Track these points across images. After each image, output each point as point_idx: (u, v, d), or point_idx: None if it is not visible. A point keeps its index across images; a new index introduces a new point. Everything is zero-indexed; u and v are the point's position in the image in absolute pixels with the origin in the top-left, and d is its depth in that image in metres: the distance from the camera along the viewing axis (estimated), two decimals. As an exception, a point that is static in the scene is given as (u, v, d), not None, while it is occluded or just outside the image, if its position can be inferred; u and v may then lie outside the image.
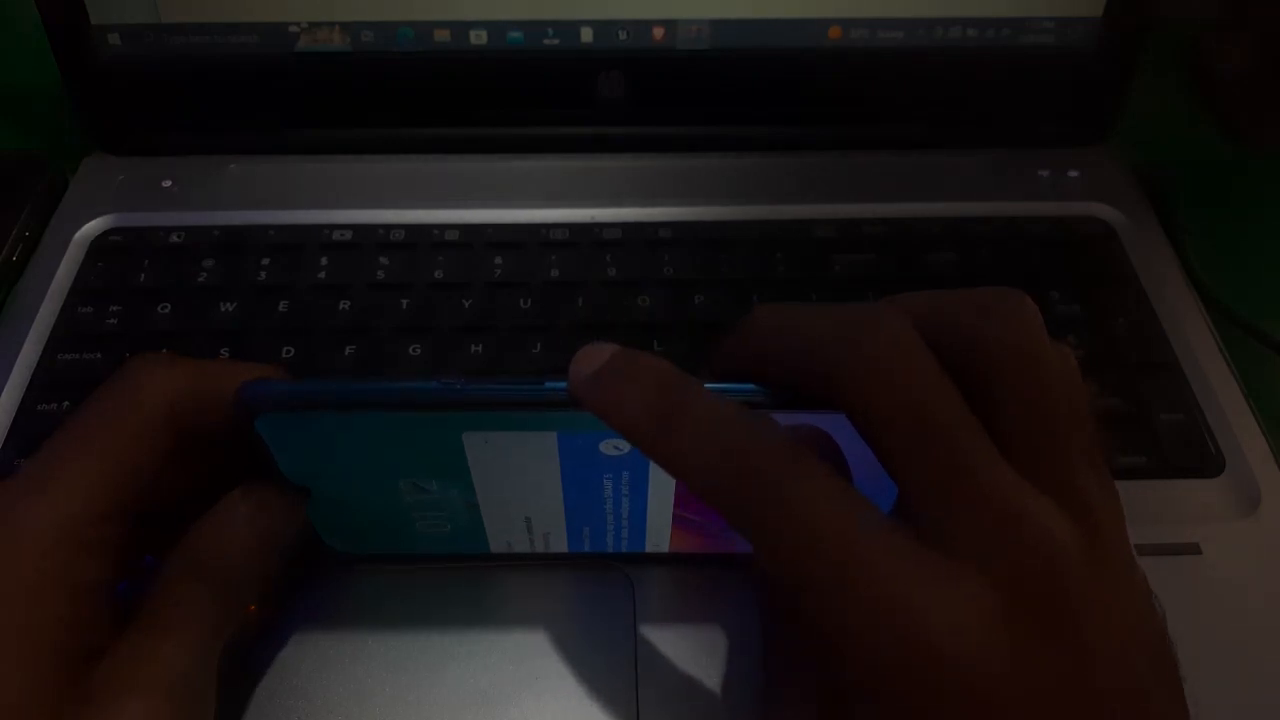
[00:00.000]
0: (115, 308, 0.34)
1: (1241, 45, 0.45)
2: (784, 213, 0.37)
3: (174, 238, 0.36)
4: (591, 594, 0.27)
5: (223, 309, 0.34)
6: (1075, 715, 0.17)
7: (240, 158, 0.39)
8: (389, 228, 0.36)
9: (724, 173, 0.39)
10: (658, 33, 0.37)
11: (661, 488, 0.24)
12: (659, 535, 0.26)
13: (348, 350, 0.33)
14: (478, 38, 0.37)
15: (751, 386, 0.20)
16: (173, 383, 0.21)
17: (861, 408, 0.19)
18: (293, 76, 0.38)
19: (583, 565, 0.28)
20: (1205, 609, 0.27)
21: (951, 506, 0.18)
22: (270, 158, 0.39)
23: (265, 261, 0.35)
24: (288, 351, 0.33)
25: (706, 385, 0.20)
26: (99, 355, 0.32)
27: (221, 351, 0.33)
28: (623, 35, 0.37)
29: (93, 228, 0.37)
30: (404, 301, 0.34)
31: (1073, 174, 0.39)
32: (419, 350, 0.33)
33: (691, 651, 0.26)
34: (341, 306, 0.34)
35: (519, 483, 0.23)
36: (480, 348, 0.33)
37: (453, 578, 0.27)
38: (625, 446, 0.22)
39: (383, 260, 0.35)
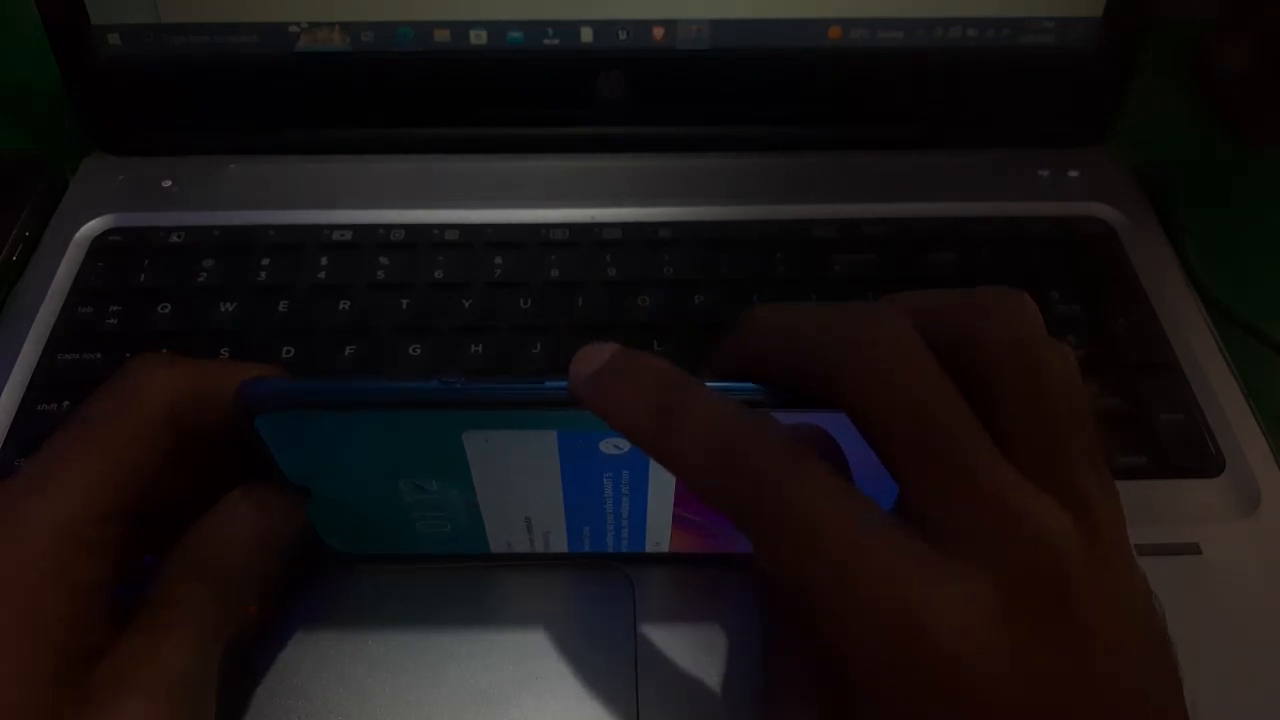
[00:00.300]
0: (115, 308, 0.34)
1: (1241, 45, 0.45)
2: (784, 213, 0.37)
3: (174, 238, 0.36)
4: (591, 594, 0.27)
5: (223, 309, 0.34)
6: (1075, 714, 0.17)
7: (240, 158, 0.39)
8: (389, 228, 0.36)
9: (724, 173, 0.39)
10: (658, 33, 0.37)
11: (661, 487, 0.24)
12: (659, 535, 0.26)
13: (348, 350, 0.33)
14: (478, 38, 0.37)
15: (751, 386, 0.20)
16: (173, 383, 0.21)
17: (862, 407, 0.19)
18: (293, 76, 0.38)
19: (583, 565, 0.28)
20: (1205, 609, 0.27)
21: (952, 506, 0.18)
22: (270, 158, 0.39)
23: (265, 261, 0.35)
24: (288, 351, 0.33)
25: (707, 385, 0.20)
26: (99, 355, 0.32)
27: (221, 351, 0.33)
28: (623, 35, 0.37)
29: (93, 228, 0.37)
30: (404, 301, 0.34)
31: (1073, 174, 0.39)
32: (419, 350, 0.33)
33: (691, 651, 0.26)
34: (341, 306, 0.34)
35: (519, 482, 0.23)
36: (480, 348, 0.33)
37: (453, 578, 0.27)
38: (625, 446, 0.22)
39: (383, 260, 0.35)
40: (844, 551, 0.17)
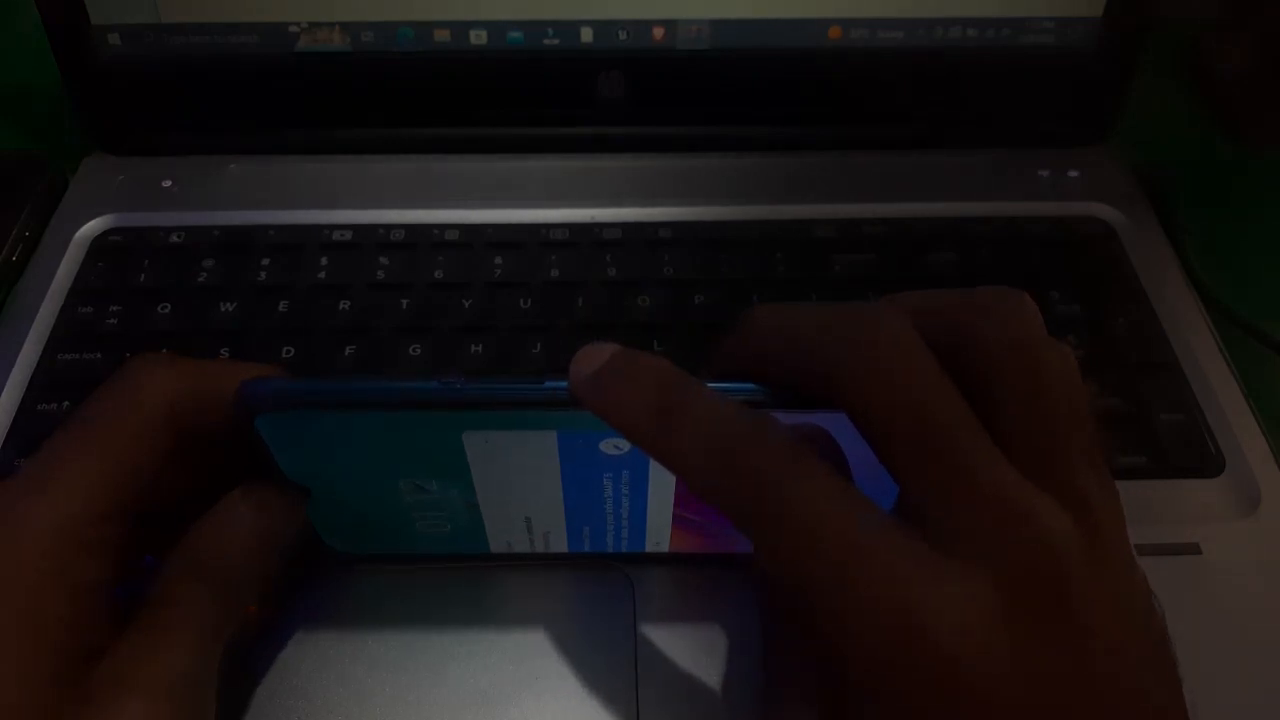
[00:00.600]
0: (115, 308, 0.34)
1: (1241, 45, 0.45)
2: (784, 213, 0.37)
3: (174, 238, 0.36)
4: (591, 594, 0.27)
5: (223, 309, 0.34)
6: (1075, 714, 0.17)
7: (240, 158, 0.39)
8: (389, 228, 0.36)
9: (724, 173, 0.39)
10: (658, 33, 0.37)
11: (661, 487, 0.24)
12: (659, 535, 0.26)
13: (348, 350, 0.33)
14: (478, 38, 0.37)
15: (751, 386, 0.20)
16: (173, 383, 0.21)
17: (862, 407, 0.19)
18: (293, 76, 0.38)
19: (583, 565, 0.28)
20: (1205, 609, 0.27)
21: (952, 506, 0.18)
22: (270, 158, 0.39)
23: (265, 261, 0.35)
24: (288, 351, 0.33)
25: (707, 384, 0.20)
26: (99, 355, 0.32)
27: (221, 351, 0.33)
28: (623, 35, 0.37)
29: (93, 228, 0.37)
30: (404, 301, 0.34)
31: (1073, 174, 0.39)
32: (419, 350, 0.33)
33: (691, 651, 0.26)
34: (341, 306, 0.34)
35: (519, 482, 0.23)
36: (480, 348, 0.33)
37: (453, 578, 0.27)
38: (625, 446, 0.22)
39: (383, 260, 0.35)
40: (844, 551, 0.17)
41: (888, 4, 0.37)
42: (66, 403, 0.31)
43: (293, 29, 0.37)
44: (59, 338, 0.33)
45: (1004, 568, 0.17)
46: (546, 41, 0.37)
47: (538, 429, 0.21)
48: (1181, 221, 0.38)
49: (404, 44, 0.37)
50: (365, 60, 0.38)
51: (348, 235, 0.36)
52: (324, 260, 0.35)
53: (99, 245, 0.36)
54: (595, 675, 0.26)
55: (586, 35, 0.37)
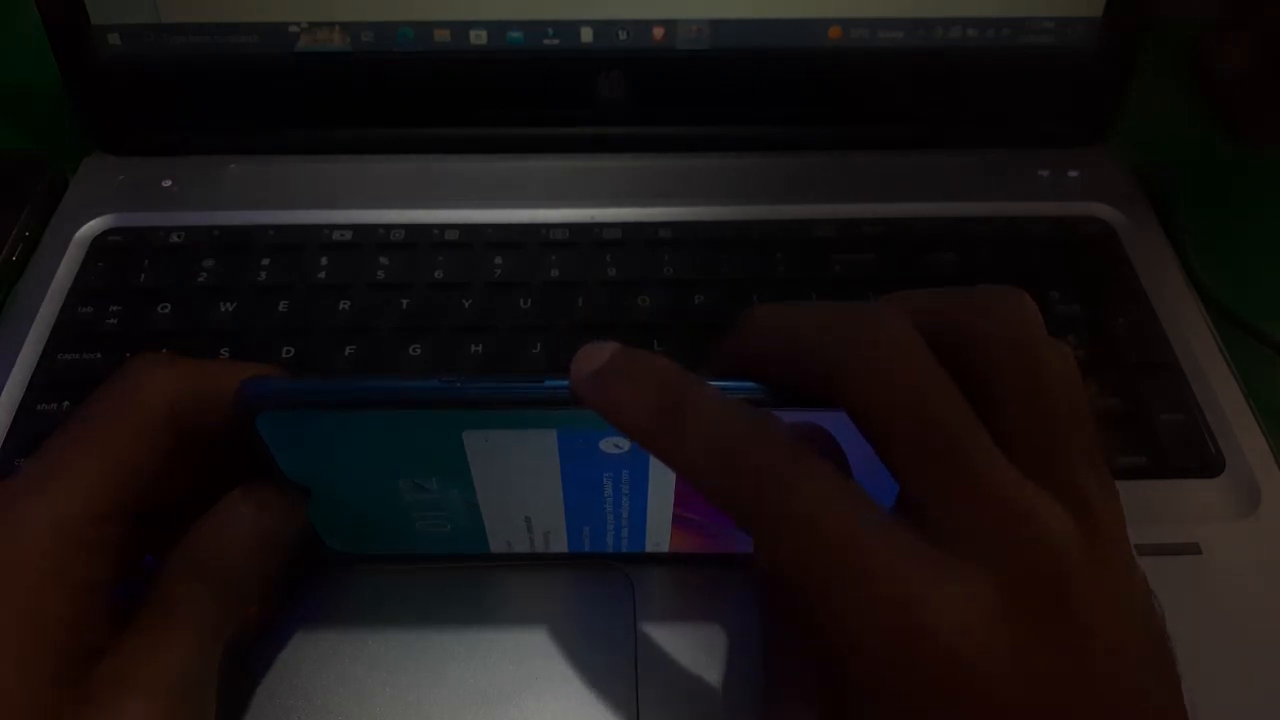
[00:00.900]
0: (115, 308, 0.34)
1: (1241, 45, 0.45)
2: (784, 213, 0.37)
3: (174, 238, 0.36)
4: (591, 594, 0.27)
5: (223, 309, 0.34)
6: (1075, 714, 0.17)
7: (240, 158, 0.39)
8: (389, 228, 0.36)
9: (724, 173, 0.39)
10: (657, 33, 0.37)
11: (661, 487, 0.24)
12: (659, 535, 0.26)
13: (348, 350, 0.33)
14: (478, 38, 0.37)
15: (751, 385, 0.20)
16: (173, 383, 0.21)
17: (862, 407, 0.19)
18: (293, 76, 0.38)
19: (583, 565, 0.28)
20: (1205, 609, 0.27)
21: (952, 505, 0.18)
22: (270, 158, 0.39)
23: (265, 261, 0.35)
24: (288, 351, 0.33)
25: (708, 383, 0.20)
26: (99, 355, 0.32)
27: (221, 351, 0.33)
28: (622, 35, 0.38)
29: (93, 228, 0.37)
30: (404, 301, 0.34)
31: (1073, 174, 0.39)
32: (419, 350, 0.33)
33: (691, 651, 0.26)
34: (341, 306, 0.34)
35: (519, 482, 0.23)
36: (480, 348, 0.33)
37: (453, 578, 0.27)
38: (625, 445, 0.22)
39: (383, 260, 0.35)
40: (844, 550, 0.17)
41: (888, 4, 0.37)
42: (66, 403, 0.31)
43: (293, 29, 0.37)
44: (59, 338, 0.33)
45: (1004, 567, 0.17)
46: (546, 41, 0.37)
47: (538, 428, 0.21)
48: (1181, 221, 0.38)
49: (404, 44, 0.37)
50: (365, 60, 0.38)
51: (348, 235, 0.36)
52: (324, 260, 0.35)
53: (99, 245, 0.36)
54: (595, 675, 0.26)
55: (586, 35, 0.37)
